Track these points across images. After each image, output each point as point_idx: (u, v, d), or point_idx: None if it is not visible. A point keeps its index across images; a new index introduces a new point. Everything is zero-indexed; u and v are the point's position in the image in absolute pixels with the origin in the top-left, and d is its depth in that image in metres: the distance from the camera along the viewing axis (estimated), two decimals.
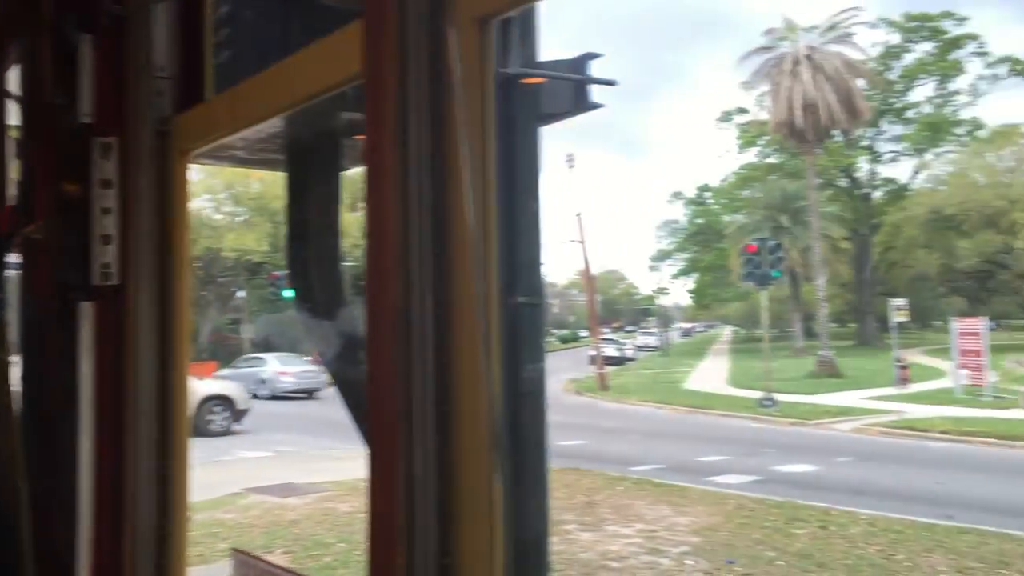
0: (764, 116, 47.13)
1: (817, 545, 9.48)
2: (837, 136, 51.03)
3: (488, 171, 1.15)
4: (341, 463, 13.51)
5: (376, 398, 1.14)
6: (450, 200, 1.12)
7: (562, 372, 44.97)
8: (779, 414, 25.00)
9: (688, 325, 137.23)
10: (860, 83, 41.05)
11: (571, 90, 2.15)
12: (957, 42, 59.54)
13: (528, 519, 1.46)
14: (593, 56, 2.18)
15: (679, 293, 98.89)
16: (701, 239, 71.75)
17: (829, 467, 16.68)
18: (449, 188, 1.13)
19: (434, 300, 1.09)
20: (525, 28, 1.71)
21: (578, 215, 42.37)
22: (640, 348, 75.39)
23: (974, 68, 60.35)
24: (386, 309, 1.11)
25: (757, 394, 28.17)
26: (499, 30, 1.22)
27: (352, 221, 3.39)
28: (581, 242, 42.04)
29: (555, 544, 10.12)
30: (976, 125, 61.39)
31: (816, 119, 38.82)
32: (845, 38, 40.86)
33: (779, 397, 26.89)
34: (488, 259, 1.11)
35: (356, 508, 10.84)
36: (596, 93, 2.16)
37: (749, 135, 63.02)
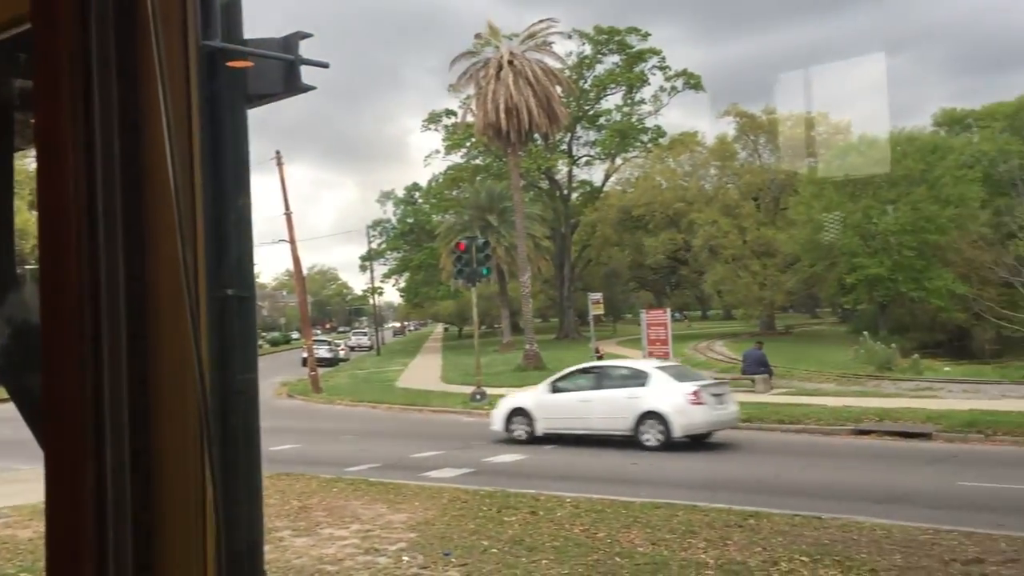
0: (471, 119, 48.51)
1: (528, 530, 9.89)
2: (538, 140, 53.65)
3: (194, 152, 1.03)
4: (25, 485, 12.22)
5: (53, 393, 0.97)
6: (147, 182, 1.00)
7: (273, 375, 43.68)
8: (489, 408, 25.84)
9: (401, 324, 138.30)
10: (558, 90, 43.41)
11: (281, 70, 2.03)
12: (641, 56, 64.75)
13: (240, 528, 1.36)
14: (304, 36, 2.07)
15: (391, 292, 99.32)
16: (412, 238, 72.65)
17: (536, 455, 17.49)
18: (146, 168, 1.00)
19: (127, 285, 0.95)
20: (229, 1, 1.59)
21: (287, 214, 41.25)
22: (353, 349, 74.99)
23: (656, 80, 65.93)
24: (65, 290, 0.95)
25: (469, 389, 28.96)
26: None
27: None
28: (291, 242, 41.04)
29: (268, 552, 9.78)
30: (659, 133, 67.11)
31: (519, 123, 40.51)
32: (543, 47, 43.02)
33: (489, 391, 27.79)
34: (197, 248, 1.00)
35: (41, 533, 9.84)
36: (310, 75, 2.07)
37: (456, 137, 64.65)
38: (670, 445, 17.25)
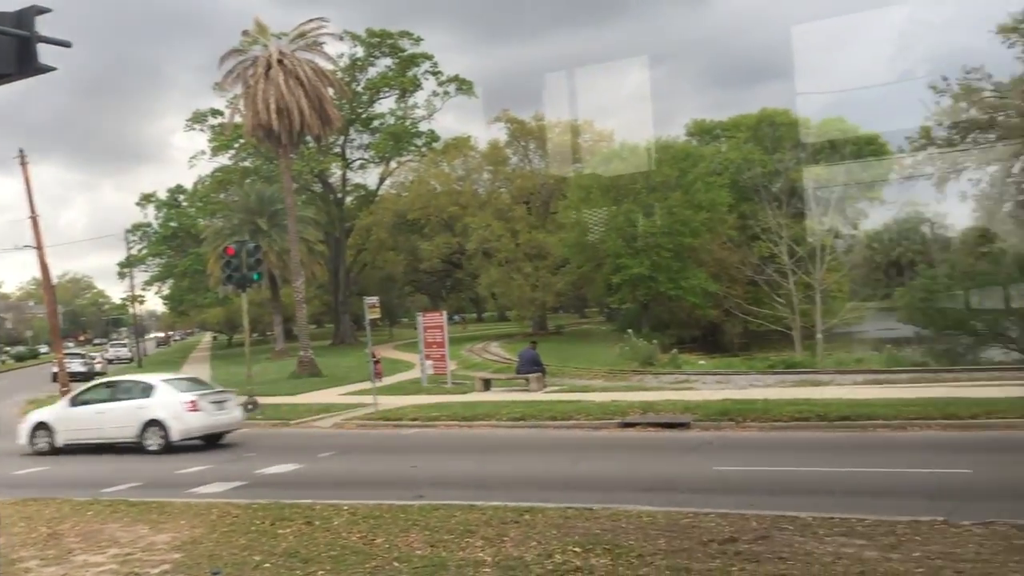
0: (239, 119, 46.70)
1: (303, 541, 9.57)
2: (311, 142, 52.48)
3: None
4: None
5: None
6: None
7: (18, 393, 40.11)
8: (262, 417, 24.98)
9: (165, 334, 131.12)
10: (331, 91, 42.65)
11: (14, 47, 1.76)
12: (414, 60, 64.94)
13: None
14: (42, 10, 1.82)
15: (154, 300, 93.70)
16: (176, 243, 68.97)
17: (313, 463, 17.05)
18: None
19: None
20: None
21: (33, 217, 37.99)
22: (111, 361, 70.38)
23: (429, 85, 66.36)
24: None
25: (240, 399, 27.84)
26: None
27: None
28: (38, 247, 37.84)
29: None
30: (432, 137, 67.59)
31: (290, 124, 39.44)
32: (314, 46, 42.11)
33: (262, 400, 26.86)
34: None
35: None
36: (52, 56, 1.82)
37: (224, 138, 62.10)
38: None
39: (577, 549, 8.52)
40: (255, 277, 26.40)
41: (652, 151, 50.93)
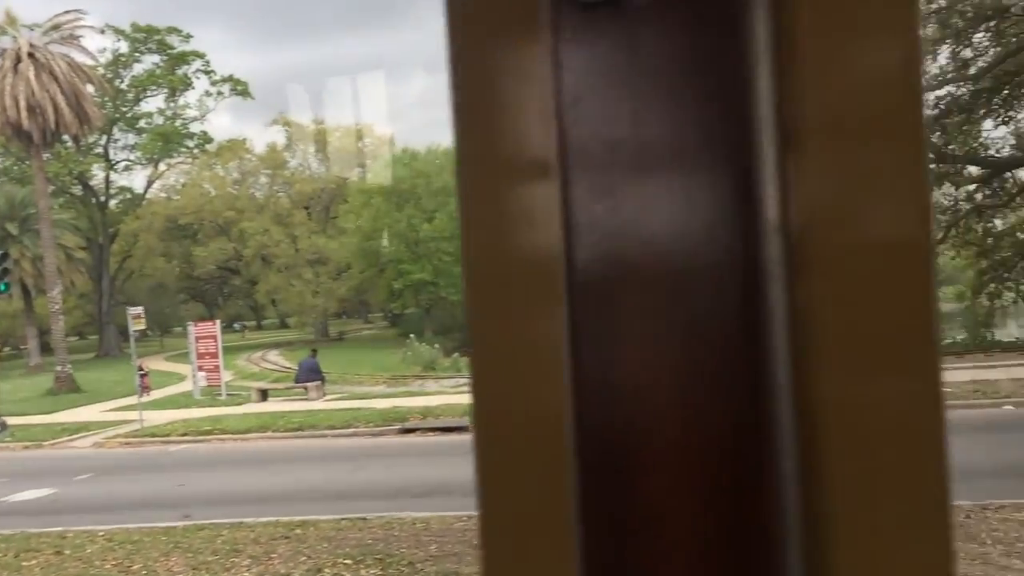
0: None
1: (50, 573, 8.89)
2: (68, 141, 48.94)
3: None
4: None
5: None
6: None
7: None
8: (11, 439, 22.99)
9: None
10: (90, 88, 39.95)
11: None
12: (184, 58, 62.02)
13: None
14: None
15: None
16: None
17: (68, 487, 15.87)
18: None
19: None
20: None
21: None
22: None
23: (201, 84, 63.65)
24: None
25: None
26: None
27: None
28: None
29: None
30: (205, 139, 64.76)
31: (43, 122, 36.60)
32: (71, 40, 39.32)
33: (12, 420, 24.73)
34: None
35: None
36: None
37: None
38: None
39: (348, 561, 8.44)
40: (2, 288, 24.30)
41: (434, 156, 51.39)
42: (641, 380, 0.64)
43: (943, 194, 26.68)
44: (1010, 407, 16.31)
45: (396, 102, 74.71)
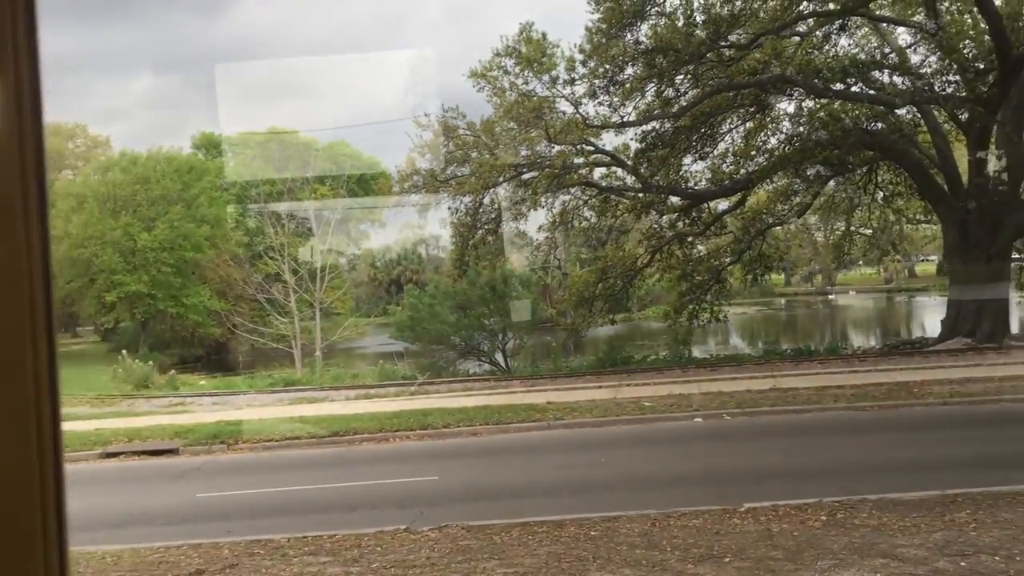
0: None
1: None
2: None
3: None
4: None
5: None
6: None
7: None
8: None
9: None
10: None
11: None
12: None
13: None
14: None
15: None
16: None
17: None
18: None
19: None
20: None
21: None
22: None
23: None
24: None
25: None
26: None
27: None
28: None
29: None
30: None
31: None
32: None
33: None
34: None
35: None
36: None
37: None
38: None
39: None
40: None
41: (156, 162, 48.55)
42: None
43: (650, 221, 28.84)
44: (699, 419, 17.81)
45: (117, 102, 69.94)
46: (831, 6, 25.54)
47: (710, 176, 28.49)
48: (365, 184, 56.52)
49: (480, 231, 29.20)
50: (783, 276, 65.70)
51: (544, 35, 26.34)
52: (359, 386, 28.53)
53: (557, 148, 26.38)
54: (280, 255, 41.36)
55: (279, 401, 26.42)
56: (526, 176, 26.62)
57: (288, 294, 41.22)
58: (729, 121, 28.35)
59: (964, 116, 25.67)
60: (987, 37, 23.54)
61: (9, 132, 0.67)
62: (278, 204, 48.60)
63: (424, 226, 55.25)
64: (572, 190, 27.95)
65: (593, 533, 9.60)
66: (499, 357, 31.83)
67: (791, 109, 28.07)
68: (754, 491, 11.41)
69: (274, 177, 53.01)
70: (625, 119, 26.09)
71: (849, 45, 28.17)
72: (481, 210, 28.60)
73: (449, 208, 29.41)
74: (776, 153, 27.53)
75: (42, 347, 0.68)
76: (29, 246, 0.73)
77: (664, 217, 28.87)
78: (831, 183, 29.99)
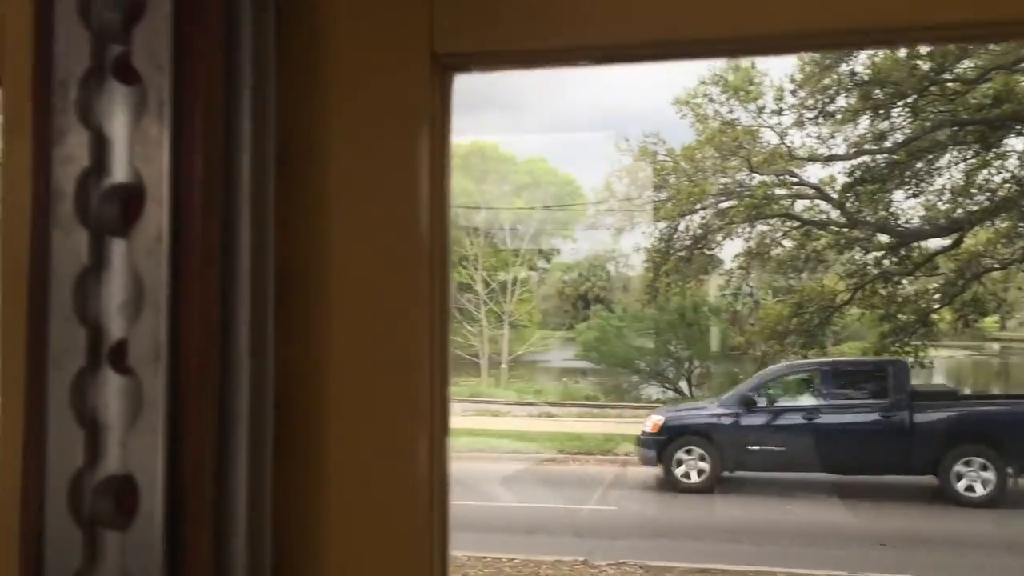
0: None
1: None
2: None
3: None
4: None
5: None
6: None
7: None
8: None
9: None
10: None
11: None
12: None
13: None
14: None
15: None
16: None
17: None
18: None
19: None
20: None
21: None
22: None
23: None
24: None
25: None
26: None
27: None
28: None
29: None
30: None
31: None
32: None
33: None
34: None
35: None
36: None
37: None
38: None
39: None
40: None
41: None
42: None
43: (853, 256, 27.59)
44: None
45: None
46: None
47: (923, 214, 26.98)
48: (561, 200, 57.08)
49: (673, 257, 28.87)
50: (998, 320, 61.18)
51: (753, 64, 25.78)
52: (541, 403, 28.80)
53: (759, 178, 25.75)
54: (474, 266, 42.38)
55: (463, 412, 26.99)
56: (724, 205, 26.14)
57: (479, 305, 42.18)
58: (949, 156, 26.72)
59: None
60: None
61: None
62: (474, 215, 49.80)
63: (616, 247, 55.24)
64: (771, 221, 27.20)
65: None
66: (683, 384, 31.34)
67: (1021, 147, 26.13)
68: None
69: (471, 188, 54.42)
70: (833, 151, 25.15)
71: None
72: (676, 236, 28.29)
73: (643, 233, 29.29)
74: (1000, 193, 25.69)
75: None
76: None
77: (869, 254, 27.56)
78: None
